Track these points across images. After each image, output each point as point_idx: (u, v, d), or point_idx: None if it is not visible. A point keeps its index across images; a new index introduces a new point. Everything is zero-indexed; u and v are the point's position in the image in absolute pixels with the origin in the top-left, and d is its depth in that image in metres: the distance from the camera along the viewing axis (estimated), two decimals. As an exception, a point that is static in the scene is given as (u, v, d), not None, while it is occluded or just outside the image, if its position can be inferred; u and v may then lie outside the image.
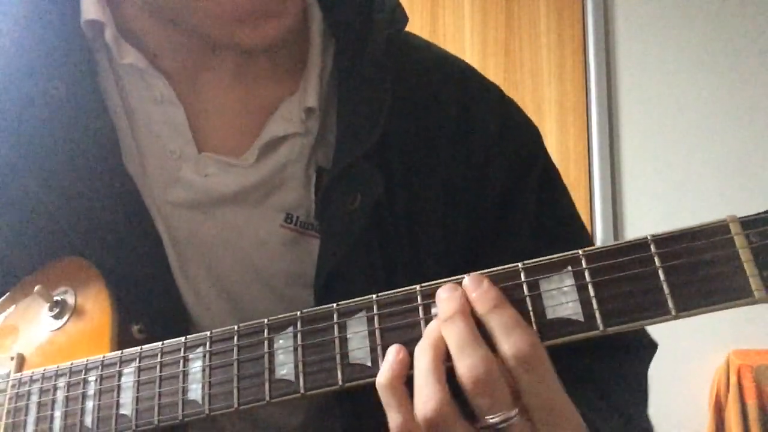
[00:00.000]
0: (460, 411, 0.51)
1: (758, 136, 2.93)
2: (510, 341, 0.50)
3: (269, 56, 0.79)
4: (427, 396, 0.51)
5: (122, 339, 0.69)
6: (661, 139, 2.99)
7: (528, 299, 0.51)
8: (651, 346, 0.86)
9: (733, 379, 2.62)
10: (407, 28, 0.84)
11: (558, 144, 3.02)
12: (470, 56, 3.04)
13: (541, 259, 0.51)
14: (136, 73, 0.77)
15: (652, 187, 3.00)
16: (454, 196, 0.78)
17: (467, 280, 0.53)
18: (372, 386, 0.54)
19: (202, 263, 0.75)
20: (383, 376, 0.53)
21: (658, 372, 2.90)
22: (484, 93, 0.84)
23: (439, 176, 0.78)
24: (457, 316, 0.52)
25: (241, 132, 0.78)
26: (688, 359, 2.84)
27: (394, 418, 0.53)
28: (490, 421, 0.50)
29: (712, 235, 0.46)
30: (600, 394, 0.75)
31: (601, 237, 2.98)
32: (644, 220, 2.99)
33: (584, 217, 3.00)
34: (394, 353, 0.54)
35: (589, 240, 0.87)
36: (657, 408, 2.95)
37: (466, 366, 0.50)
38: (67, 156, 0.73)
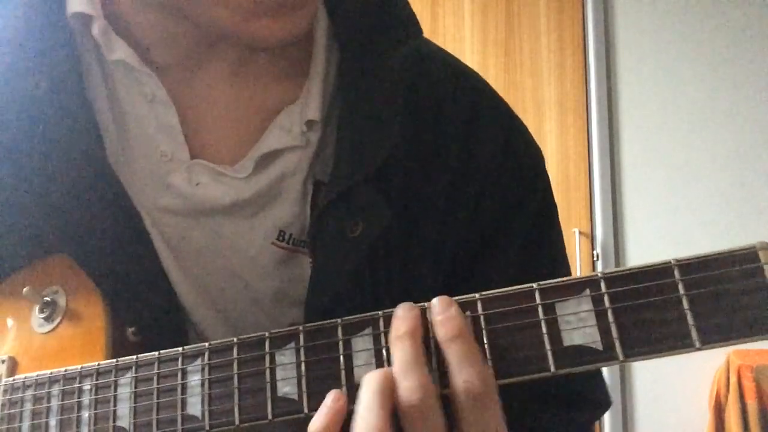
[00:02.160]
0: None
1: (758, 135, 2.93)
2: (462, 375, 0.49)
3: (270, 57, 0.75)
4: (367, 424, 0.49)
5: (117, 342, 0.67)
6: (660, 139, 2.99)
7: (543, 323, 0.49)
8: (602, 405, 0.82)
9: (733, 379, 2.63)
10: None
11: (558, 144, 3.02)
12: (470, 56, 3.03)
13: (557, 280, 0.49)
14: (126, 70, 0.72)
15: (652, 187, 2.99)
16: (449, 223, 0.75)
17: (435, 301, 0.53)
18: None
19: (194, 267, 0.73)
20: (316, 424, 0.52)
21: (658, 372, 2.90)
22: (493, 114, 0.80)
23: (439, 201, 0.75)
24: (406, 335, 0.51)
25: (237, 138, 0.74)
26: (688, 359, 2.83)
27: None
28: None
29: (740, 262, 0.44)
30: None
31: (601, 237, 2.98)
32: (644, 220, 2.99)
33: (584, 217, 3.02)
34: (332, 399, 0.53)
35: None
36: (657, 408, 2.95)
37: (405, 388, 0.49)
38: (50, 156, 0.70)
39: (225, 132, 0.74)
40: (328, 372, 0.55)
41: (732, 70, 2.96)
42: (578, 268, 2.96)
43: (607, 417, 2.87)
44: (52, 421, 0.65)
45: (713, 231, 2.87)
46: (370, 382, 0.51)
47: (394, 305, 0.55)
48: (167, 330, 0.69)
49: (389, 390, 0.50)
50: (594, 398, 0.80)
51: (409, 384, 0.49)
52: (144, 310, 0.70)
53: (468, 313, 0.52)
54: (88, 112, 0.72)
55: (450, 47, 3.26)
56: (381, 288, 0.71)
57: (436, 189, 0.75)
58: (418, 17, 0.78)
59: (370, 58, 0.74)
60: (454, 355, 0.50)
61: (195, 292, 0.73)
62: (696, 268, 0.45)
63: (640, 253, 2.99)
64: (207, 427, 0.58)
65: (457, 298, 0.53)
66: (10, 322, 0.74)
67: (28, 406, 0.67)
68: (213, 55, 0.73)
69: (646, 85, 3.02)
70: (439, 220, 0.74)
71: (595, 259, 2.99)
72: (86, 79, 0.73)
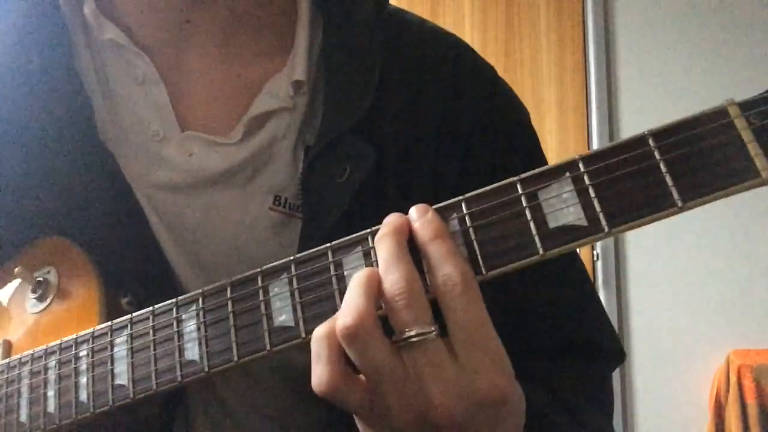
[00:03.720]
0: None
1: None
2: (441, 270, 0.50)
3: (254, 32, 0.77)
4: (350, 306, 0.50)
5: (111, 313, 0.66)
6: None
7: (527, 210, 0.49)
8: (617, 356, 0.81)
9: (733, 379, 2.62)
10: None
11: (558, 144, 3.02)
12: (470, 56, 3.04)
13: (537, 170, 0.50)
14: (116, 51, 0.75)
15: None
16: (442, 173, 0.76)
17: (413, 208, 0.53)
18: None
19: (190, 241, 0.74)
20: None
21: (658, 372, 2.87)
22: (476, 70, 0.82)
23: (430, 151, 0.76)
24: (390, 234, 0.52)
25: (226, 110, 0.76)
26: (688, 359, 2.83)
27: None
28: (408, 333, 0.49)
29: (712, 121, 0.45)
30: (551, 393, 0.73)
31: (603, 237, 2.97)
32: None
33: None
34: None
35: None
36: (657, 408, 2.92)
37: (389, 281, 0.50)
38: (43, 132, 0.72)
39: (215, 106, 0.76)
40: (322, 294, 0.55)
41: (732, 69, 2.95)
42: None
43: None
44: (50, 392, 0.64)
45: (713, 230, 2.86)
46: (355, 277, 0.52)
47: None
48: (163, 298, 0.69)
49: (375, 281, 0.50)
50: (604, 347, 0.80)
51: (393, 276, 0.50)
52: (138, 278, 0.70)
53: (454, 214, 0.52)
54: (78, 89, 0.73)
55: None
56: None
57: (424, 138, 0.76)
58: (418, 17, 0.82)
59: (347, 19, 0.77)
60: (433, 255, 0.50)
61: (189, 265, 0.74)
62: (669, 133, 0.46)
63: (640, 254, 2.98)
64: (206, 369, 0.57)
65: (441, 204, 0.53)
66: (4, 307, 0.74)
67: (26, 382, 0.66)
68: (195, 33, 0.75)
69: (646, 85, 3.02)
70: (430, 170, 0.76)
71: (595, 259, 2.98)
72: (76, 59, 0.75)
